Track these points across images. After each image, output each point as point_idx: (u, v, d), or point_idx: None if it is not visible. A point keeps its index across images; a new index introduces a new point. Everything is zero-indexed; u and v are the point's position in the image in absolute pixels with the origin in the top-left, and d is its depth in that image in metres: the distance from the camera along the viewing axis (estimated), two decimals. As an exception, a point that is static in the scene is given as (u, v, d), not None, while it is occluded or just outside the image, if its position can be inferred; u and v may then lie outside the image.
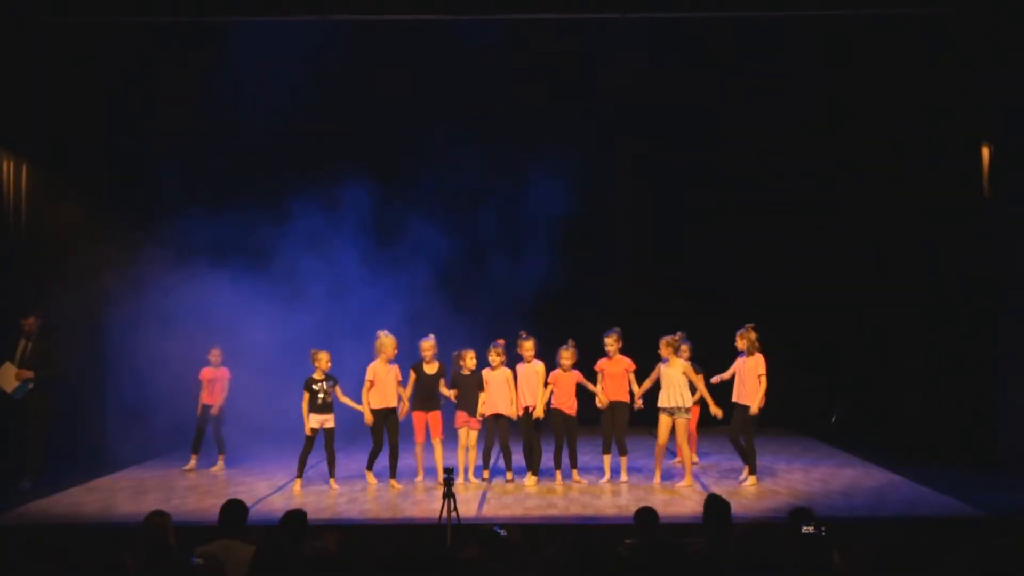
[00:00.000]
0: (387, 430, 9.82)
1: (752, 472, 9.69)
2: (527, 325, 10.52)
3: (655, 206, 13.86)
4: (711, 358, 10.39)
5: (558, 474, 9.90)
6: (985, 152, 10.96)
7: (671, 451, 10.27)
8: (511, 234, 13.10)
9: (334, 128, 12.97)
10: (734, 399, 9.77)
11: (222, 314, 11.23)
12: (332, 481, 9.74)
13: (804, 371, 12.86)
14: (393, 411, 9.86)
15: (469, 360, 10.00)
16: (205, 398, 10.76)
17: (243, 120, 12.04)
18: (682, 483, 9.61)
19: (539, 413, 9.88)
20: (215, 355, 10.79)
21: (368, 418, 9.76)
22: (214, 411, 10.70)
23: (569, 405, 9.90)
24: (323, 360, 9.73)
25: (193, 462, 10.78)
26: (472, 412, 9.95)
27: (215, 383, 10.75)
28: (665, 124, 13.33)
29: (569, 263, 12.98)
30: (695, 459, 10.23)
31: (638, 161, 13.62)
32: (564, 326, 10.65)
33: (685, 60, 12.86)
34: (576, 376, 9.92)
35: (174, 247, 11.75)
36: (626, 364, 9.88)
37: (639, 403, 9.92)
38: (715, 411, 9.74)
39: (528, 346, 10.00)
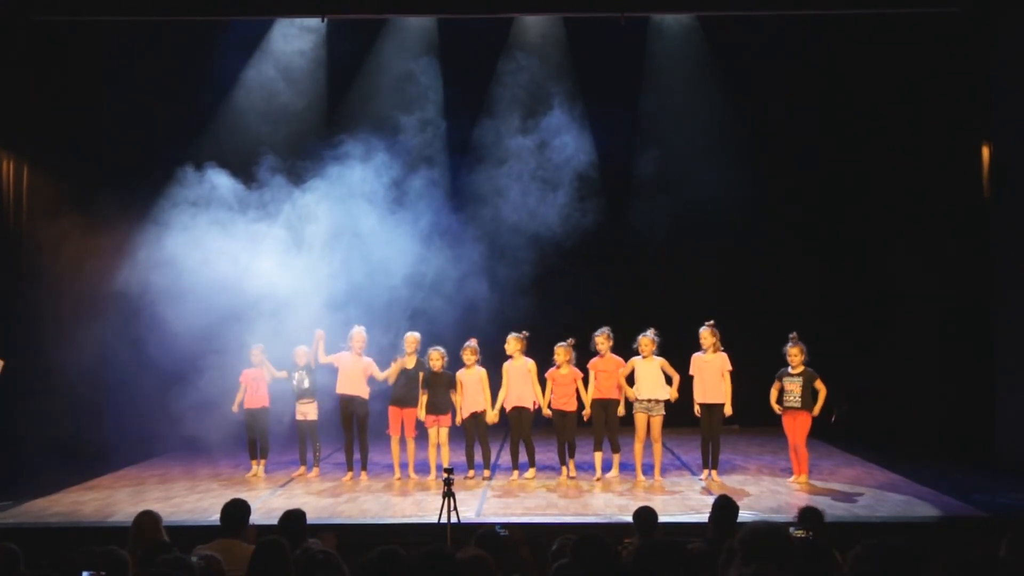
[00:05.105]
0: (355, 422, 10.13)
1: (715, 468, 9.75)
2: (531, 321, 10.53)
3: (652, 209, 13.72)
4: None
5: (564, 469, 9.97)
6: (985, 152, 10.96)
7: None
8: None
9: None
10: (701, 400, 9.70)
11: (222, 308, 10.86)
12: (313, 469, 10.40)
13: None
14: (358, 400, 10.07)
15: (436, 361, 9.99)
16: (248, 402, 10.33)
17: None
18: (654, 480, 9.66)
19: (546, 412, 9.93)
20: (257, 354, 10.29)
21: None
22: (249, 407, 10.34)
23: (567, 403, 9.89)
24: (296, 355, 10.29)
25: (255, 467, 10.41)
26: (440, 411, 9.99)
27: (258, 384, 10.33)
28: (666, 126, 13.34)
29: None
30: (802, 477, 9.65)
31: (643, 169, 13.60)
32: (568, 323, 10.68)
33: (683, 59, 12.85)
34: (575, 373, 9.91)
35: (174, 236, 11.12)
36: (617, 362, 9.84)
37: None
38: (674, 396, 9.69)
39: (514, 343, 9.98)
